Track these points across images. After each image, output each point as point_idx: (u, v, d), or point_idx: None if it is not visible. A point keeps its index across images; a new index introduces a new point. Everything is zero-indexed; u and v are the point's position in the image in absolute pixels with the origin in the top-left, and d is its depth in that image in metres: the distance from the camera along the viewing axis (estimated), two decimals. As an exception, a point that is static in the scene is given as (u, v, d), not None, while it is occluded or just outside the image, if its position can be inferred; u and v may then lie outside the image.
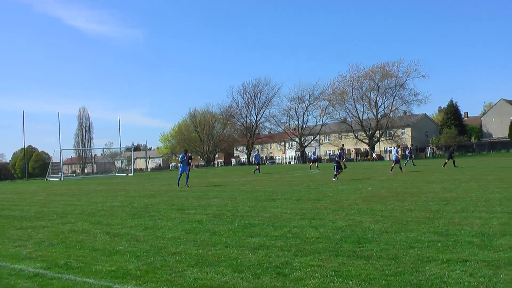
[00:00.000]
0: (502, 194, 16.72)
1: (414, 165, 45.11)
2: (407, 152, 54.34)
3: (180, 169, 28.86)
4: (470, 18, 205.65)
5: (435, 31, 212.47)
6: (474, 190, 18.73)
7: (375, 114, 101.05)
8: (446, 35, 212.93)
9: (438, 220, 11.61)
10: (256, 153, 43.39)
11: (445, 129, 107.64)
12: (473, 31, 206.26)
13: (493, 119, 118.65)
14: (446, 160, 42.26)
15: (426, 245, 8.86)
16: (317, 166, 50.52)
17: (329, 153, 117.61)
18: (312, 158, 51.29)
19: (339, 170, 29.39)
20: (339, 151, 33.10)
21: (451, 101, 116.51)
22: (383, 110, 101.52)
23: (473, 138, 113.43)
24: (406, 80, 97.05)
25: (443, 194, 17.56)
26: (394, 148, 45.85)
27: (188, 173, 28.75)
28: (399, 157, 36.29)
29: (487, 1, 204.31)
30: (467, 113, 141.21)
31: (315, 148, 58.73)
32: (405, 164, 44.10)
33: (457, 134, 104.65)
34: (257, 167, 46.73)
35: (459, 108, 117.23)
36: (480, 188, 19.29)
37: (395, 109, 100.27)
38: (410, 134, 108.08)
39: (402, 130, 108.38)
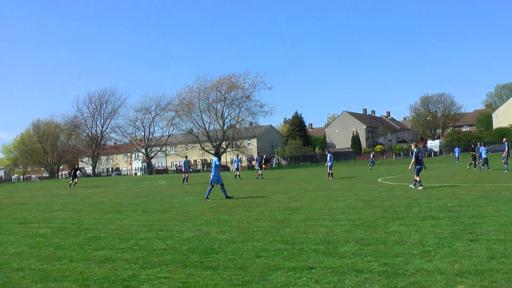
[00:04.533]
0: (345, 202, 17.28)
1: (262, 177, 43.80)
2: (255, 163, 55.01)
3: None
4: (309, 39, 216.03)
5: (280, 45, 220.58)
6: (319, 199, 19.23)
7: (221, 125, 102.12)
8: (289, 48, 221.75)
9: (284, 229, 11.67)
10: (185, 159, 40.23)
11: (290, 140, 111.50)
12: (311, 46, 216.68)
13: (336, 130, 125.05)
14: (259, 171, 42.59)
15: (272, 254, 8.84)
16: (239, 175, 47.65)
17: (175, 164, 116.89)
18: (235, 166, 49.14)
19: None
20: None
21: (296, 112, 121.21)
22: (230, 121, 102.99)
23: (317, 148, 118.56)
24: (253, 91, 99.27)
25: (289, 204, 17.84)
26: (257, 157, 45.60)
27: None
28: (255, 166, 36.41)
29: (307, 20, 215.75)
30: (312, 124, 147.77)
31: (237, 155, 57.43)
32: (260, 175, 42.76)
33: (301, 144, 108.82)
34: (185, 175, 40.75)
35: (304, 119, 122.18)
36: (324, 197, 19.85)
37: (242, 120, 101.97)
38: (256, 145, 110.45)
39: (248, 141, 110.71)
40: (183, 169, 42.49)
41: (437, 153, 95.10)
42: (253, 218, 14.00)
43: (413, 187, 22.06)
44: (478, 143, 41.65)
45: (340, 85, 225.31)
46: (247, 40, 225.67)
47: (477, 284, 6.43)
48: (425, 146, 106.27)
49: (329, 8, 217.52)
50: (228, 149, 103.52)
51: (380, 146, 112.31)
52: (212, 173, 20.96)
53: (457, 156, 59.14)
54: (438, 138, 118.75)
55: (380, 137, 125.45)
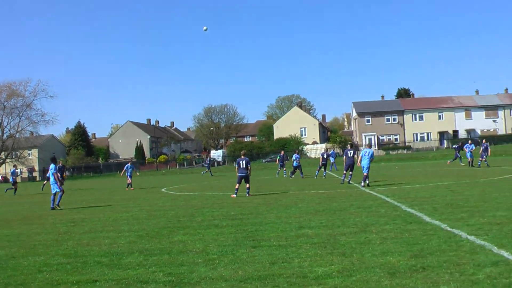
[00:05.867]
0: (129, 213, 17.05)
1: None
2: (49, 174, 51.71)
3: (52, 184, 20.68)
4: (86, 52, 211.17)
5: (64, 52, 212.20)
6: (102, 210, 18.79)
7: (0, 135, 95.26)
8: (74, 58, 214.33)
9: (67, 242, 11.22)
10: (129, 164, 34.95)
11: (72, 150, 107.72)
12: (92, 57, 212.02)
13: (120, 140, 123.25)
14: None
15: (55, 268, 8.45)
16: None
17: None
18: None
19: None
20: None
21: (79, 122, 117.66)
22: (9, 130, 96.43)
23: (100, 159, 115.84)
24: (34, 100, 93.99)
25: (71, 216, 17.18)
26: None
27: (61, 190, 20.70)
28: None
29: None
30: (95, 134, 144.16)
31: (15, 166, 51.46)
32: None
33: (84, 155, 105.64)
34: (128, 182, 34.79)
35: (87, 129, 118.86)
36: (108, 209, 19.44)
37: (22, 129, 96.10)
38: (37, 155, 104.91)
39: (29, 151, 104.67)
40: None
41: (220, 163, 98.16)
42: (34, 232, 13.26)
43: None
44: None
45: (124, 96, 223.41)
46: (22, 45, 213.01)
47: (259, 289, 6.71)
48: (208, 156, 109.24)
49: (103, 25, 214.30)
50: (8, 160, 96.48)
51: (164, 156, 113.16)
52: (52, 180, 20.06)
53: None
54: (221, 148, 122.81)
55: (164, 147, 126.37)
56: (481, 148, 37.88)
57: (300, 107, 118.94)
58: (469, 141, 40.73)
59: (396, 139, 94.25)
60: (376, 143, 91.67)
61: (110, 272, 8.01)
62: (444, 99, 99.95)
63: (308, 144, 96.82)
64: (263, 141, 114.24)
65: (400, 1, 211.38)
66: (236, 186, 22.07)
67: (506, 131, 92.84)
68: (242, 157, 22.20)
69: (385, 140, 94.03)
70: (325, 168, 34.68)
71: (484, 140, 39.67)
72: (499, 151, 58.26)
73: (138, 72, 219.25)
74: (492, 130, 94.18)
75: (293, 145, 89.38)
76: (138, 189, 33.41)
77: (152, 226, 13.25)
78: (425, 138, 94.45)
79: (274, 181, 34.80)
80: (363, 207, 15.14)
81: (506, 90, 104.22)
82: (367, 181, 23.19)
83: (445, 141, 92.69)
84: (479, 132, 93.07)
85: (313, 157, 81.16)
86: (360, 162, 23.82)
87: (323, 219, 12.92)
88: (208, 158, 64.40)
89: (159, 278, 7.50)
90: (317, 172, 35.13)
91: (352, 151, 25.98)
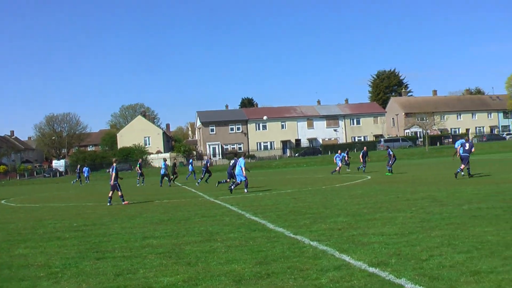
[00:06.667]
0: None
1: None
2: None
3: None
4: None
5: None
6: None
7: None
8: None
9: None
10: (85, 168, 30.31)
11: None
12: None
13: None
14: None
15: None
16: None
17: None
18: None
19: None
20: None
21: None
22: None
23: None
24: None
25: None
26: None
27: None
28: None
29: None
30: None
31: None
32: None
33: None
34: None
35: None
36: None
37: None
38: None
39: None
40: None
41: (63, 173, 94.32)
42: None
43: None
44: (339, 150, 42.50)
45: None
46: None
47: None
48: (50, 166, 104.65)
49: None
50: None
51: (4, 166, 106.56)
52: None
53: (86, 176, 57.48)
54: (63, 157, 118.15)
55: (3, 157, 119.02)
56: (360, 154, 38.64)
57: (144, 116, 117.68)
58: (339, 151, 40.93)
59: (240, 148, 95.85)
60: (220, 152, 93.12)
61: None
62: (287, 109, 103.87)
63: (152, 153, 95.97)
64: (106, 150, 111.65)
65: (230, 13, 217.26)
66: (110, 194, 21.79)
67: (346, 140, 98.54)
68: (114, 165, 22.01)
69: (229, 149, 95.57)
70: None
71: (365, 148, 40.06)
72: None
73: None
74: (333, 139, 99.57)
75: (137, 154, 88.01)
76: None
77: (-8, 241, 12.61)
78: (269, 147, 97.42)
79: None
80: (207, 216, 15.41)
81: (347, 100, 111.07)
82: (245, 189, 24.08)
83: (288, 149, 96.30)
84: (320, 141, 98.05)
85: (157, 166, 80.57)
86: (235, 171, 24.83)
87: (168, 228, 13.04)
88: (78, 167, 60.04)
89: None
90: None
91: (233, 161, 26.79)
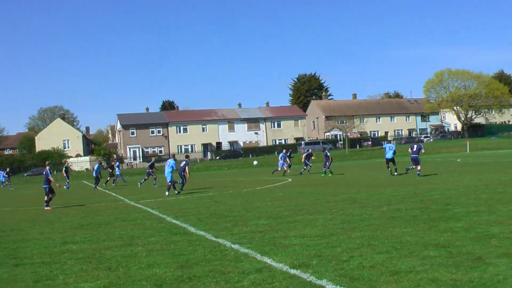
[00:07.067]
0: None
1: None
2: None
3: None
4: None
5: None
6: None
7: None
8: None
9: None
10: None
11: None
12: None
13: None
14: None
15: None
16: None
17: None
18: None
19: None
20: None
21: None
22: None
23: None
24: None
25: None
26: None
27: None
28: None
29: None
30: None
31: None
32: None
33: None
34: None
35: None
36: None
37: None
38: None
39: None
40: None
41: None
42: None
43: None
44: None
45: None
46: None
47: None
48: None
49: None
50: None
51: None
52: None
53: (2, 181, 55.05)
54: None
55: None
56: (304, 155, 38.28)
57: (63, 119, 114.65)
58: (284, 150, 39.81)
59: (161, 151, 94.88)
60: (141, 155, 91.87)
61: None
62: (208, 112, 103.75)
63: (71, 156, 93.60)
64: (24, 154, 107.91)
65: (149, 16, 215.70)
66: (46, 198, 21.11)
67: (267, 143, 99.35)
68: (47, 168, 21.42)
69: (150, 152, 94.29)
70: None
71: (310, 150, 40.08)
72: (261, 163, 61.30)
73: None
74: (254, 142, 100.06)
75: (56, 158, 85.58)
76: None
77: None
78: (190, 150, 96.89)
79: (41, 196, 33.06)
80: (128, 220, 15.18)
81: (268, 103, 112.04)
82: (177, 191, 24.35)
83: (208, 152, 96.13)
84: (241, 144, 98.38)
85: (77, 170, 78.66)
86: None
87: (88, 233, 12.75)
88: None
89: None
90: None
91: (183, 162, 26.12)
